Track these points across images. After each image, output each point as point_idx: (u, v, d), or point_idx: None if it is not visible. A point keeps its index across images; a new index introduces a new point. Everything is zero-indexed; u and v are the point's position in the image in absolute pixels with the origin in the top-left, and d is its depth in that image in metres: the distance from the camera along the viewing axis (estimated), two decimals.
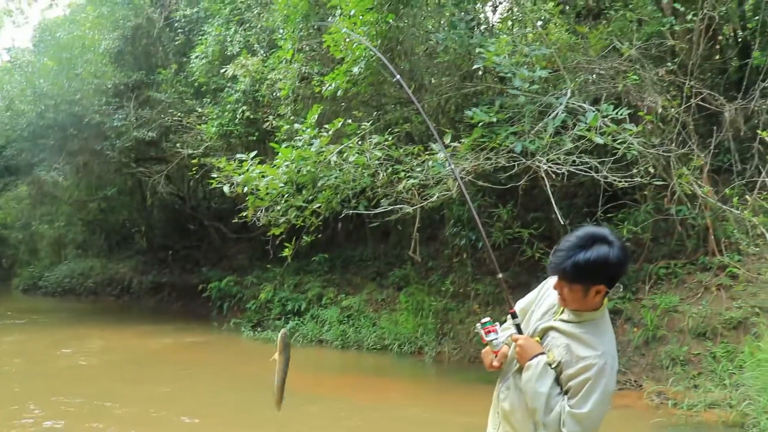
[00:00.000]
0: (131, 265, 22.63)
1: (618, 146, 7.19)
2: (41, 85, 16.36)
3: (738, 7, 10.13)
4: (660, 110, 8.14)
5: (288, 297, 13.92)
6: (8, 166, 20.01)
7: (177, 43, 15.72)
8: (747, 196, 8.13)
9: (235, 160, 8.41)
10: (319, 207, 8.47)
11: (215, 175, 8.64)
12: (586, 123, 7.15)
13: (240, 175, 8.17)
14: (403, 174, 7.98)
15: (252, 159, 8.21)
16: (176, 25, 15.66)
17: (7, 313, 18.23)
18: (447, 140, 7.71)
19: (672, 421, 6.96)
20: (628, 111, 7.30)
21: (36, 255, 29.16)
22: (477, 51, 8.13)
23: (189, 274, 19.20)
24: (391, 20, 8.63)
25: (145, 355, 12.16)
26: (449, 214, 11.31)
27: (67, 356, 12.00)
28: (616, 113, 7.18)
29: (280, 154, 8.12)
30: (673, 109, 8.36)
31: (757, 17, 9.55)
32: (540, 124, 7.56)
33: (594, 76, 8.87)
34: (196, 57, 13.71)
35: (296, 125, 8.64)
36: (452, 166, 3.74)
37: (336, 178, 8.18)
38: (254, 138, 13.02)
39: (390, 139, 8.22)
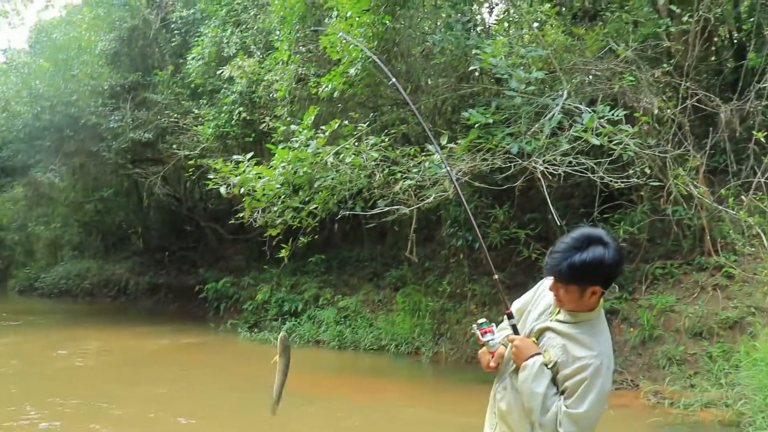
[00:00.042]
0: (128, 266, 22.60)
1: (614, 147, 7.21)
2: (37, 86, 16.34)
3: (733, 9, 10.16)
4: (656, 111, 8.16)
5: (285, 298, 13.93)
6: (4, 167, 19.95)
7: (173, 44, 15.72)
8: (743, 197, 8.15)
9: (231, 162, 8.41)
10: (316, 208, 8.48)
11: (212, 177, 8.64)
12: (582, 124, 7.16)
13: (237, 176, 8.17)
14: (399, 175, 8.00)
15: (249, 160, 8.21)
16: (173, 26, 15.66)
17: (2, 315, 18.16)
18: (444, 141, 7.72)
19: (668, 421, 6.99)
20: (624, 112, 7.32)
21: (32, 256, 29.10)
22: (473, 52, 8.14)
23: (186, 275, 19.17)
24: (387, 22, 8.64)
25: (142, 356, 12.14)
26: (446, 215, 11.33)
27: (64, 357, 11.97)
28: (613, 114, 7.20)
29: (276, 155, 8.12)
30: (669, 110, 8.38)
31: (752, 19, 9.57)
32: (536, 125, 7.58)
33: (590, 77, 8.90)
34: (193, 58, 13.71)
35: (293, 126, 8.64)
36: (448, 168, 3.74)
37: (333, 179, 8.18)
38: (251, 139, 13.02)
39: (386, 140, 8.22)
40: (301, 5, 9.98)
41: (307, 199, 8.47)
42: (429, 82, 10.59)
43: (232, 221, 9.58)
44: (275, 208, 8.41)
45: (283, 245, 8.89)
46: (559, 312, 2.54)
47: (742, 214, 7.78)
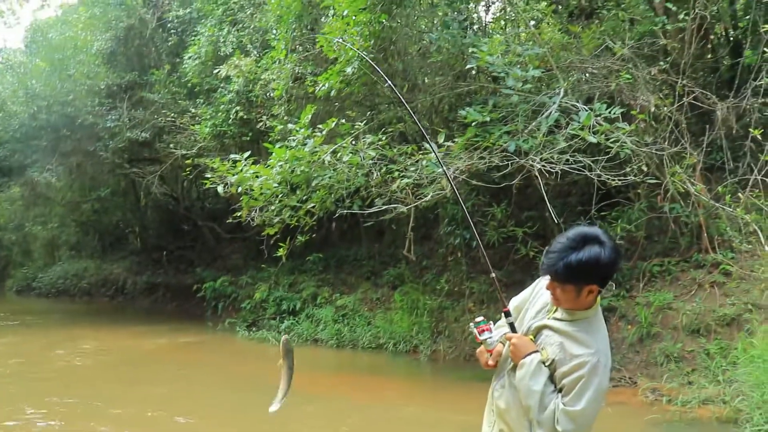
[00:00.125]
0: (125, 265, 22.60)
1: (611, 145, 7.23)
2: (33, 86, 16.33)
3: (729, 7, 10.18)
4: (653, 109, 8.17)
5: (283, 296, 13.93)
6: (1, 167, 19.90)
7: (170, 43, 15.70)
8: (739, 194, 8.18)
9: (228, 161, 8.42)
10: (314, 207, 8.48)
11: (209, 176, 8.64)
12: (579, 122, 7.18)
13: (234, 175, 8.18)
14: (397, 173, 8.00)
15: (246, 159, 8.22)
16: (169, 25, 15.65)
17: (0, 315, 18.15)
18: (441, 140, 7.73)
19: (666, 418, 7.00)
20: (621, 110, 7.33)
21: (29, 256, 29.08)
22: (470, 51, 8.15)
23: (183, 275, 19.17)
24: (384, 20, 8.64)
25: (140, 355, 12.14)
26: (443, 213, 11.33)
27: (62, 357, 11.95)
28: (609, 112, 7.21)
29: (273, 154, 8.13)
30: (665, 108, 8.40)
31: (748, 16, 9.60)
32: (533, 124, 7.59)
33: (587, 75, 8.90)
34: (189, 57, 13.70)
35: (290, 125, 8.65)
36: (444, 168, 3.75)
37: (330, 177, 8.19)
38: (248, 138, 13.02)
39: (384, 138, 8.23)
40: (297, 4, 9.98)
41: (304, 197, 8.48)
42: (426, 81, 10.59)
43: (230, 220, 9.60)
44: (273, 207, 8.42)
45: (280, 244, 8.90)
46: (556, 310, 2.55)
47: (739, 211, 7.80)
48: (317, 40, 9.21)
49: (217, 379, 9.91)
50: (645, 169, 7.74)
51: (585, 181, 8.81)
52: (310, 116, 8.37)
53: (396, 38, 9.54)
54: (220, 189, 8.45)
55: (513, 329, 2.65)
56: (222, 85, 13.02)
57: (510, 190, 9.39)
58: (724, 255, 8.36)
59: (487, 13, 11.98)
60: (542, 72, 8.19)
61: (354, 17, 8.60)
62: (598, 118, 7.21)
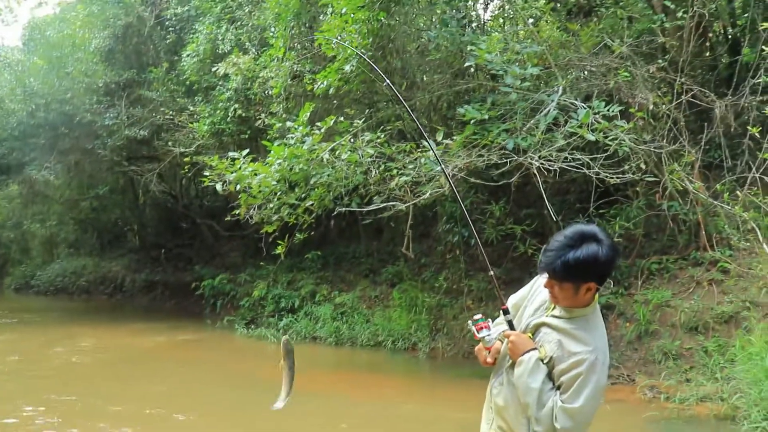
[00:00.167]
0: (124, 263, 22.59)
1: (609, 143, 7.23)
2: (31, 83, 16.29)
3: (728, 5, 10.18)
4: (651, 107, 8.18)
5: (281, 294, 13.94)
6: None
7: (168, 41, 15.68)
8: (738, 192, 8.19)
9: (227, 158, 8.41)
10: (312, 204, 8.48)
11: (207, 174, 8.63)
12: (577, 120, 7.18)
13: (232, 173, 8.18)
14: (395, 171, 8.00)
15: (244, 157, 8.22)
16: (167, 23, 15.62)
17: None
18: (439, 137, 7.73)
19: (664, 415, 7.02)
20: (620, 108, 7.33)
21: (28, 254, 29.08)
22: (468, 48, 8.15)
23: (182, 272, 19.17)
24: (382, 18, 8.64)
25: (139, 353, 12.14)
26: (442, 211, 11.34)
27: (60, 355, 11.96)
28: (608, 110, 7.21)
29: (272, 152, 8.13)
30: (664, 106, 8.40)
31: (746, 14, 9.60)
32: (532, 121, 7.59)
33: (585, 73, 8.91)
34: (188, 55, 13.68)
35: (288, 123, 8.64)
36: (443, 167, 3.75)
37: (328, 175, 8.19)
38: (246, 136, 13.02)
39: (382, 136, 8.23)
40: (295, 2, 9.98)
41: (303, 195, 8.48)
42: (424, 79, 10.60)
43: (228, 218, 9.60)
44: (271, 205, 8.42)
45: (279, 242, 8.90)
46: (554, 307, 2.55)
47: (737, 209, 7.81)
48: (315, 38, 9.21)
49: (215, 377, 9.92)
50: (643, 166, 7.75)
51: (583, 179, 8.83)
52: (308, 114, 8.36)
53: (394, 36, 9.54)
54: (218, 187, 8.44)
55: (511, 327, 2.65)
56: (220, 82, 13.01)
57: (508, 187, 9.39)
58: (722, 253, 8.38)
59: (485, 11, 11.99)
60: (541, 70, 8.19)
61: (352, 15, 8.61)
62: (597, 115, 7.21)
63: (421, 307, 11.32)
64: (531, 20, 10.05)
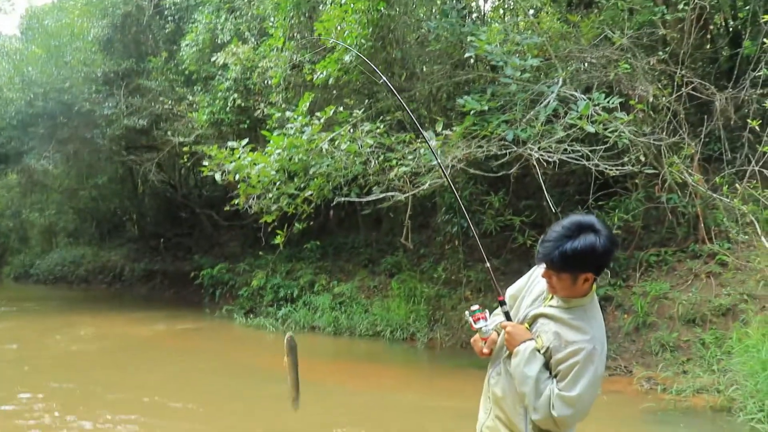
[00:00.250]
0: (123, 252, 22.61)
1: (609, 135, 7.23)
2: (30, 73, 16.23)
3: None
4: (651, 99, 8.17)
5: (280, 284, 13.96)
6: None
7: (167, 30, 15.64)
8: (737, 185, 8.19)
9: (226, 148, 8.41)
10: (311, 194, 8.48)
11: (207, 163, 8.64)
12: (577, 111, 7.18)
13: (231, 162, 8.18)
14: (394, 162, 8.00)
15: (243, 147, 8.22)
16: (166, 12, 15.57)
17: None
18: (439, 128, 7.73)
19: (661, 406, 7.05)
20: (620, 100, 7.33)
21: (27, 243, 29.10)
22: (468, 39, 8.14)
23: (181, 262, 19.19)
24: (382, 8, 8.63)
25: (137, 342, 12.17)
26: (441, 202, 11.34)
27: (59, 343, 11.99)
28: (608, 102, 7.21)
29: (271, 141, 8.12)
30: (664, 98, 8.39)
31: (747, 7, 9.58)
32: (531, 113, 7.59)
33: (585, 64, 8.89)
34: (187, 45, 13.65)
35: (288, 113, 8.63)
36: (439, 161, 3.75)
37: (328, 165, 8.19)
38: (245, 126, 13.00)
39: (381, 126, 8.23)
40: None
41: (302, 185, 8.48)
42: (424, 69, 10.58)
43: (228, 208, 9.60)
44: (270, 195, 8.42)
45: (278, 231, 8.91)
46: (552, 298, 2.56)
47: (736, 202, 7.81)
48: (315, 28, 9.18)
49: (214, 366, 9.95)
50: (643, 159, 7.75)
51: (583, 171, 8.82)
52: (308, 104, 8.35)
53: (394, 26, 9.52)
54: (217, 176, 8.44)
55: (508, 318, 2.66)
56: (219, 72, 12.98)
57: (508, 179, 9.39)
58: (720, 245, 8.39)
59: (485, 2, 11.96)
60: (541, 61, 8.18)
61: (352, 5, 8.59)
62: (597, 107, 7.21)
63: (419, 298, 11.34)
64: (531, 11, 10.03)
